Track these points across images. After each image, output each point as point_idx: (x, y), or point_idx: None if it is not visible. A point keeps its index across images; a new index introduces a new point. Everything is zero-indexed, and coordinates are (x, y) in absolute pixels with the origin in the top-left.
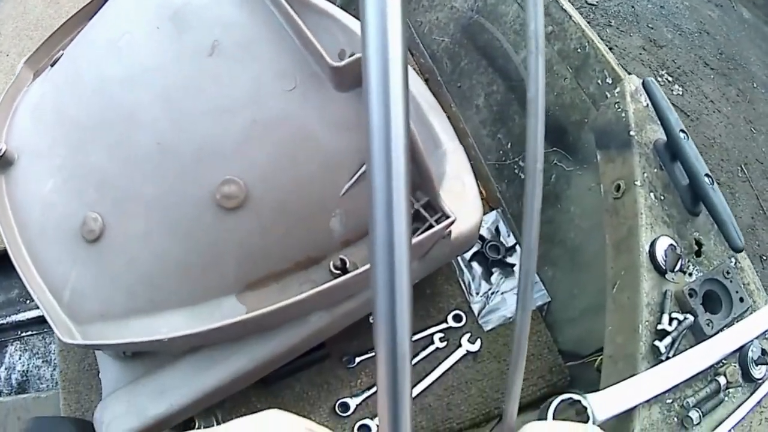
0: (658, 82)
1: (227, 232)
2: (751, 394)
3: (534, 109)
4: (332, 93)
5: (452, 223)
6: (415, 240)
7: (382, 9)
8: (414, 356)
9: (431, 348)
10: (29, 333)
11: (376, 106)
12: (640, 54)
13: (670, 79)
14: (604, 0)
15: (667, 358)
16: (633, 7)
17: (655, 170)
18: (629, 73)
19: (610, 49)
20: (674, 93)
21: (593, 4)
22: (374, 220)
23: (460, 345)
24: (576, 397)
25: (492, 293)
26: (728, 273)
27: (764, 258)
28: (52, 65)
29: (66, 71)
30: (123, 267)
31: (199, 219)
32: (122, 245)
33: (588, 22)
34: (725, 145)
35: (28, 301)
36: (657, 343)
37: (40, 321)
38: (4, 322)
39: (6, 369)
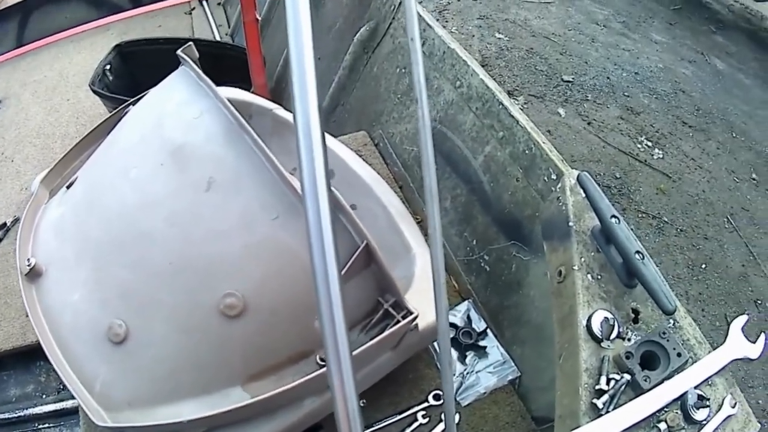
0: (638, 148)
1: (231, 335)
2: None
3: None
4: None
5: (415, 318)
6: (385, 333)
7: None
8: None
9: (416, 424)
10: (46, 425)
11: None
12: (619, 124)
13: (649, 144)
14: (580, 75)
15: (607, 412)
16: (608, 78)
17: (593, 254)
18: (609, 145)
19: (589, 123)
20: (655, 157)
21: (569, 81)
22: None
23: (441, 420)
24: None
25: (467, 373)
26: (664, 333)
27: (759, 302)
28: (67, 187)
29: (84, 195)
30: (146, 364)
31: (208, 325)
32: (144, 346)
33: (565, 99)
34: (709, 200)
35: (44, 396)
36: (595, 401)
37: (57, 415)
38: (22, 414)
39: None
